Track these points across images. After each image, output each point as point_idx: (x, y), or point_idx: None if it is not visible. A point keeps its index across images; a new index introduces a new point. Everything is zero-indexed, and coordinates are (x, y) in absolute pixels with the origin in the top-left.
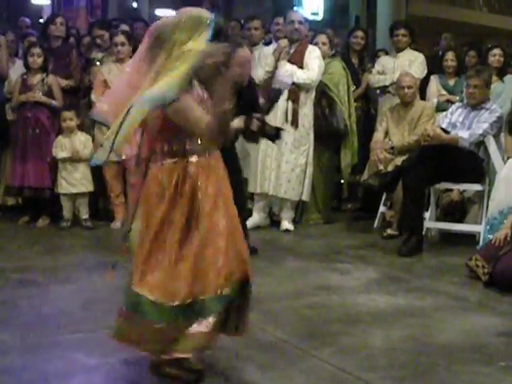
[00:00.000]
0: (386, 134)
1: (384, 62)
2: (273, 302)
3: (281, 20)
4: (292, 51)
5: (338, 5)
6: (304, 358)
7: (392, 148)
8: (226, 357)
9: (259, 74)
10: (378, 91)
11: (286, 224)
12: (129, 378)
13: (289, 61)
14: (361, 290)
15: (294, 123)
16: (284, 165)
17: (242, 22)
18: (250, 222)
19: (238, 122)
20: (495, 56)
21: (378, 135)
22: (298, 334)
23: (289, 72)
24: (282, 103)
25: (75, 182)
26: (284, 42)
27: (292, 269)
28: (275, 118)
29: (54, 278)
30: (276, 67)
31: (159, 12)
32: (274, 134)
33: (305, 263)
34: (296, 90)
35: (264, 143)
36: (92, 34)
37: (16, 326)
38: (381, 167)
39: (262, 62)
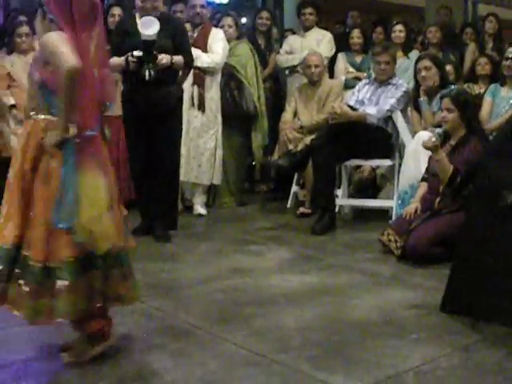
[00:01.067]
0: (295, 113)
1: (292, 41)
2: (185, 288)
3: (179, 7)
4: (195, 35)
5: None
6: (217, 342)
7: (301, 127)
8: (138, 345)
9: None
10: (286, 71)
11: (199, 208)
12: (39, 375)
13: (192, 45)
14: (274, 271)
15: (201, 107)
16: (193, 150)
17: None
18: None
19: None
20: (398, 32)
21: (287, 115)
22: (210, 319)
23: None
24: (188, 88)
25: None
26: (187, 27)
27: (205, 253)
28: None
29: None
30: None
31: None
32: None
33: (218, 247)
34: (201, 74)
35: None
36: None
37: None
38: (291, 147)
39: None
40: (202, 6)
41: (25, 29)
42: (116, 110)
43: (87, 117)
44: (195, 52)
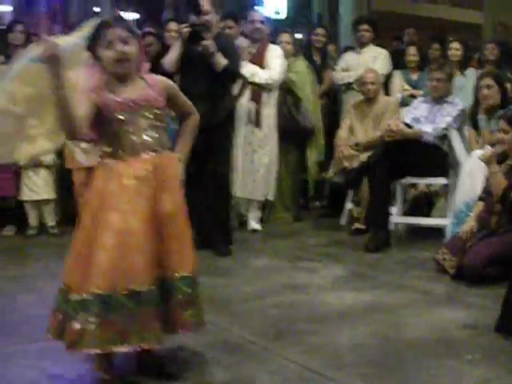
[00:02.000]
0: (351, 130)
1: (348, 58)
2: (240, 303)
3: (229, 23)
4: (253, 51)
5: (300, 3)
6: (271, 358)
7: (356, 144)
8: (193, 359)
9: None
10: (342, 88)
11: (254, 224)
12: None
13: (250, 61)
14: (328, 288)
15: (258, 123)
16: (249, 165)
17: None
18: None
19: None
20: (454, 50)
21: (343, 132)
22: (264, 334)
23: (250, 72)
24: (245, 104)
25: (37, 188)
26: (245, 43)
27: (259, 269)
28: (239, 119)
29: (21, 287)
30: None
31: (122, 15)
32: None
33: (272, 263)
34: (258, 90)
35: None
36: None
37: None
38: (346, 164)
39: None
40: (262, 22)
41: None
42: None
43: None
44: (253, 68)
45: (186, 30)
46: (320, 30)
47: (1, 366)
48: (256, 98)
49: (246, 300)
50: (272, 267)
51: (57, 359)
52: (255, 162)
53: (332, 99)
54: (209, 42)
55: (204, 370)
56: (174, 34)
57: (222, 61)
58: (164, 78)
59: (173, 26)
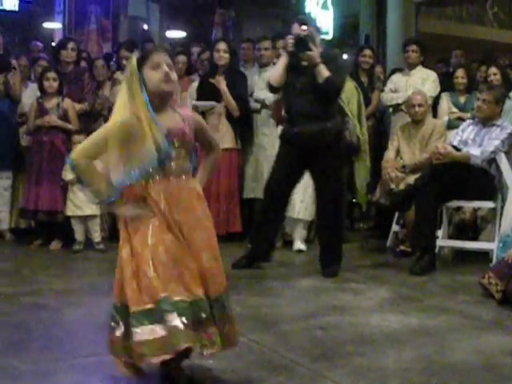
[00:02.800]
0: (398, 152)
1: (396, 79)
2: (285, 323)
3: (266, 44)
4: None
5: (347, 23)
6: (316, 379)
7: (403, 166)
8: (237, 378)
9: (269, 95)
10: (390, 109)
11: (299, 244)
12: None
13: None
14: (374, 310)
15: None
16: (296, 185)
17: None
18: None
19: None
20: (492, 75)
21: (390, 154)
22: (310, 355)
23: None
24: None
25: (82, 204)
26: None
27: (304, 289)
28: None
29: (67, 301)
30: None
31: (170, 34)
32: None
33: (317, 283)
34: None
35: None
36: (119, 54)
37: (28, 350)
38: (392, 186)
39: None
40: None
41: None
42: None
43: None
44: None
45: (291, 41)
46: (367, 51)
47: (48, 381)
48: None
49: (292, 320)
50: (317, 288)
51: (103, 375)
52: (303, 183)
53: (379, 120)
54: (313, 53)
55: None
56: (223, 53)
57: (324, 72)
58: (195, 114)
59: (222, 45)
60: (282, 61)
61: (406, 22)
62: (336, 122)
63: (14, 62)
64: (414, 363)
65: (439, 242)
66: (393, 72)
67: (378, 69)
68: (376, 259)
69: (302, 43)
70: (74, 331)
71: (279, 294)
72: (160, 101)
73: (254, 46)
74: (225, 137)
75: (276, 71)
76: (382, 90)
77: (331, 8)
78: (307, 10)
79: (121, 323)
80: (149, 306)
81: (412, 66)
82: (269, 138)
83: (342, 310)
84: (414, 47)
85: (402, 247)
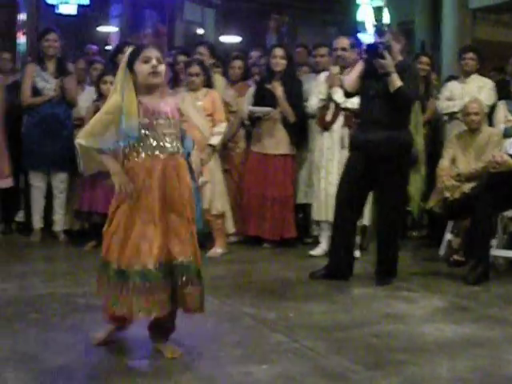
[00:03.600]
0: (453, 160)
1: (452, 87)
2: (338, 330)
3: (323, 51)
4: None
5: (403, 30)
6: None
7: (459, 175)
8: None
9: (313, 102)
10: (445, 117)
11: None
12: None
13: (341, 87)
14: (427, 319)
15: None
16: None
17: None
18: (318, 250)
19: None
20: None
21: (445, 162)
22: (364, 363)
23: (342, 98)
24: (338, 129)
25: None
26: (335, 69)
27: (358, 296)
28: (333, 143)
29: None
30: (329, 95)
31: (224, 39)
32: None
33: (371, 290)
34: (351, 115)
35: (324, 171)
36: (175, 59)
37: (80, 351)
38: (447, 194)
39: (315, 90)
40: (343, 49)
41: (195, 69)
42: None
43: None
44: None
45: (364, 48)
46: (425, 59)
47: (101, 382)
48: (349, 124)
49: (345, 327)
50: (370, 295)
51: (157, 377)
52: None
53: (434, 128)
54: (385, 61)
55: None
56: (280, 59)
57: (396, 82)
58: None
59: (279, 52)
60: (358, 67)
61: (461, 29)
62: (405, 132)
63: (70, 65)
64: (468, 374)
65: (493, 252)
66: (448, 79)
67: (433, 76)
68: (429, 268)
69: (374, 50)
70: (127, 333)
71: (333, 301)
72: (148, 89)
73: (309, 51)
74: (280, 143)
75: (350, 77)
76: (437, 98)
77: (387, 14)
78: (363, 17)
79: None
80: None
81: (468, 74)
82: (322, 143)
83: (395, 318)
84: (470, 55)
85: (455, 257)
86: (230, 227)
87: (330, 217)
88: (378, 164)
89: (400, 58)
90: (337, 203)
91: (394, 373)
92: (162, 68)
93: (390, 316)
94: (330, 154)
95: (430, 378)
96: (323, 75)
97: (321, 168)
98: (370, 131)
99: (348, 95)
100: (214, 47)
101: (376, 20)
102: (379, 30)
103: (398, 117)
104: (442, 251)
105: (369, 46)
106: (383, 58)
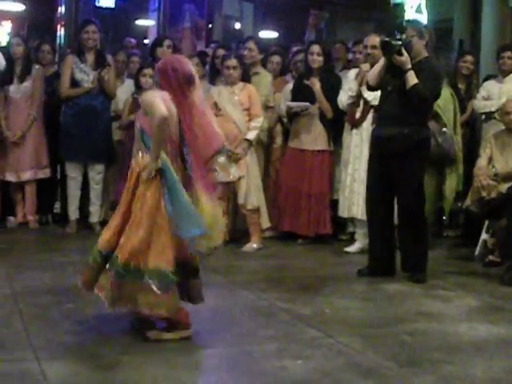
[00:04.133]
0: (490, 160)
1: (489, 87)
2: (373, 327)
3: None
4: None
5: (441, 28)
6: None
7: (496, 175)
8: (326, 381)
9: (343, 99)
10: (482, 117)
11: None
12: None
13: None
14: (461, 318)
15: None
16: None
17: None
18: (353, 247)
19: None
20: None
21: (482, 162)
22: (398, 360)
23: (372, 96)
24: (367, 128)
25: None
26: (365, 66)
27: (392, 293)
28: (361, 141)
29: None
30: (359, 92)
31: (263, 34)
32: None
33: (405, 288)
34: None
35: (351, 167)
36: (215, 54)
37: (117, 342)
38: (484, 194)
39: (345, 86)
40: (373, 47)
41: (233, 62)
42: None
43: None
44: (374, 92)
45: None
46: (469, 57)
47: (137, 373)
48: None
49: (380, 325)
50: (405, 293)
51: (193, 369)
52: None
53: (472, 128)
54: (401, 58)
55: None
56: (317, 56)
57: (412, 80)
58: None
59: (316, 48)
60: (381, 62)
61: (501, 28)
62: (420, 129)
63: (109, 57)
64: (504, 375)
65: None
66: (486, 79)
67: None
68: (464, 267)
69: (389, 47)
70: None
71: (368, 298)
72: None
73: (347, 48)
74: (318, 138)
75: (373, 71)
76: (474, 97)
77: (425, 12)
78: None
79: None
80: None
81: (506, 73)
82: (351, 140)
83: (430, 316)
84: (509, 53)
85: (490, 257)
86: (265, 222)
87: (353, 214)
88: (391, 160)
89: (425, 54)
90: (367, 201)
91: (428, 371)
92: None
93: (425, 314)
94: (358, 151)
95: (465, 378)
96: (353, 72)
97: (348, 165)
98: (385, 127)
99: (370, 89)
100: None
101: (397, 17)
102: (399, 26)
103: (414, 113)
104: (477, 251)
105: (384, 42)
106: (401, 54)
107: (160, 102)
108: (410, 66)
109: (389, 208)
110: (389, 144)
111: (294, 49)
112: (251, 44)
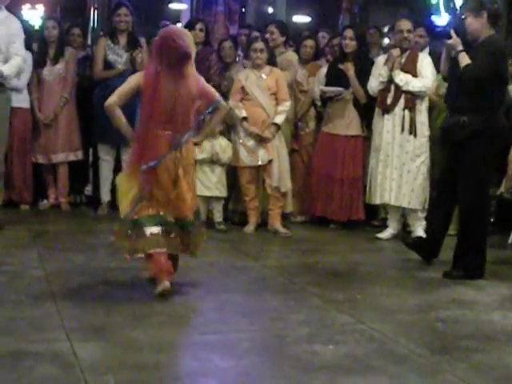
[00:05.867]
0: None
1: None
2: (405, 314)
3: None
4: (403, 60)
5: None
6: (437, 372)
7: None
8: (358, 366)
9: (373, 84)
10: None
11: (421, 232)
12: (262, 381)
13: (401, 70)
14: (494, 307)
15: (413, 131)
16: (406, 174)
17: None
18: (385, 234)
19: None
20: None
21: None
22: (430, 348)
23: (404, 81)
24: (399, 112)
25: (211, 185)
26: (396, 52)
27: (425, 280)
28: (393, 126)
29: (187, 279)
30: (390, 77)
31: (296, 18)
32: None
33: (438, 275)
34: (412, 98)
35: (383, 153)
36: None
37: (149, 324)
38: None
39: (375, 72)
40: (409, 31)
41: (260, 44)
42: None
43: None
44: (406, 77)
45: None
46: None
47: (168, 355)
48: (410, 106)
49: (412, 311)
50: (438, 280)
51: (224, 352)
52: (413, 171)
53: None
54: (451, 41)
55: (368, 378)
56: (350, 41)
57: (463, 61)
58: None
59: (349, 33)
60: (446, 51)
61: None
62: (479, 117)
63: (142, 39)
64: None
65: None
66: None
67: None
68: (497, 255)
69: (441, 32)
70: (193, 308)
71: (401, 284)
72: None
73: (381, 33)
74: (351, 123)
75: (442, 61)
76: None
77: None
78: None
79: None
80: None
81: None
82: (382, 126)
83: (463, 304)
84: None
85: None
86: (290, 205)
87: (386, 200)
88: (451, 149)
89: (489, 32)
90: (436, 187)
91: (460, 359)
92: None
93: (458, 302)
94: (390, 137)
95: (497, 367)
96: (382, 58)
97: (379, 150)
98: (449, 116)
99: (445, 79)
100: (285, 25)
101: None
102: (450, 9)
103: (472, 100)
104: (510, 239)
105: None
106: (450, 37)
107: (119, 89)
108: (460, 47)
109: (454, 198)
110: (448, 134)
111: (320, 34)
112: (272, 27)
